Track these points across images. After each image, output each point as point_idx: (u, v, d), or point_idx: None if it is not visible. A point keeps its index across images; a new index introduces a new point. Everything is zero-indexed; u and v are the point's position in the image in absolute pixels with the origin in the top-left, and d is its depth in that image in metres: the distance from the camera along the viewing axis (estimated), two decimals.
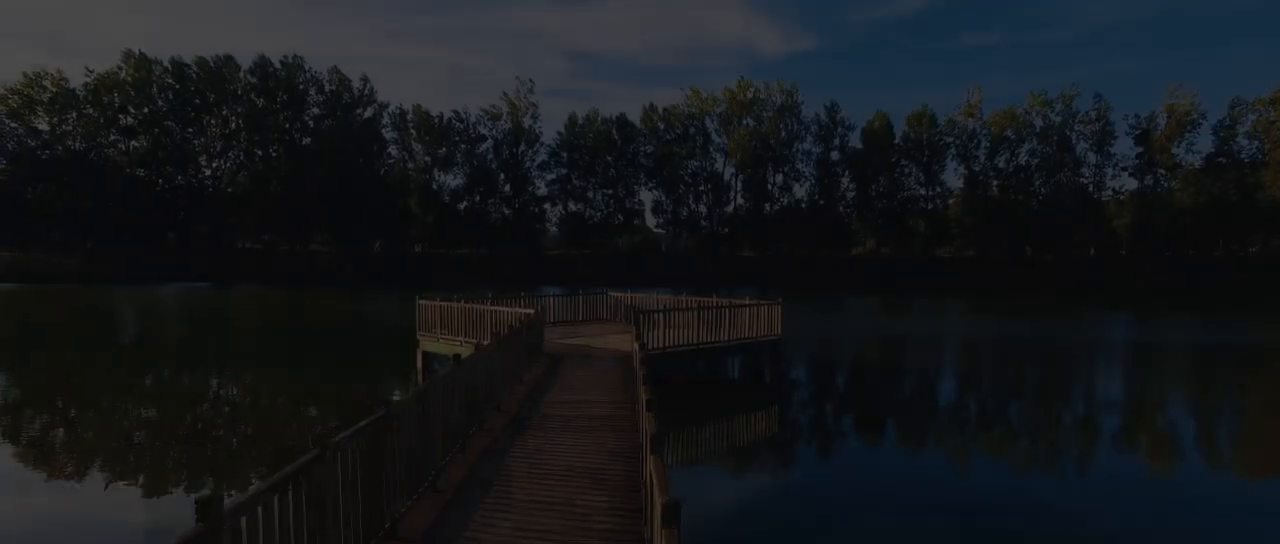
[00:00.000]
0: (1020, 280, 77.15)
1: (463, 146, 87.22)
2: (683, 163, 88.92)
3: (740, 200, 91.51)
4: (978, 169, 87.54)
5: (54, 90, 71.86)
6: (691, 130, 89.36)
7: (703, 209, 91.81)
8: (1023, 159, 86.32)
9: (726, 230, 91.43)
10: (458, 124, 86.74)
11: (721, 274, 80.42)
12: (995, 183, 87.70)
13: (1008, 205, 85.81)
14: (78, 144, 73.03)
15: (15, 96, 70.58)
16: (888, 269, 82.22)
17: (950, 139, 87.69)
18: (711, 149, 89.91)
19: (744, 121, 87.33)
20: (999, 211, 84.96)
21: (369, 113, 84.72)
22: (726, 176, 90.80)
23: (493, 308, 16.68)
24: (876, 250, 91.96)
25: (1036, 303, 52.92)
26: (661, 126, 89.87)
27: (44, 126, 72.40)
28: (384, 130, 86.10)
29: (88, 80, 73.17)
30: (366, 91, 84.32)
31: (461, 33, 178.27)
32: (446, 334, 17.85)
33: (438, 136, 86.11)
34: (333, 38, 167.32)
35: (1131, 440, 14.40)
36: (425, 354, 18.82)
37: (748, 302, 19.06)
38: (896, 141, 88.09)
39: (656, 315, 16.26)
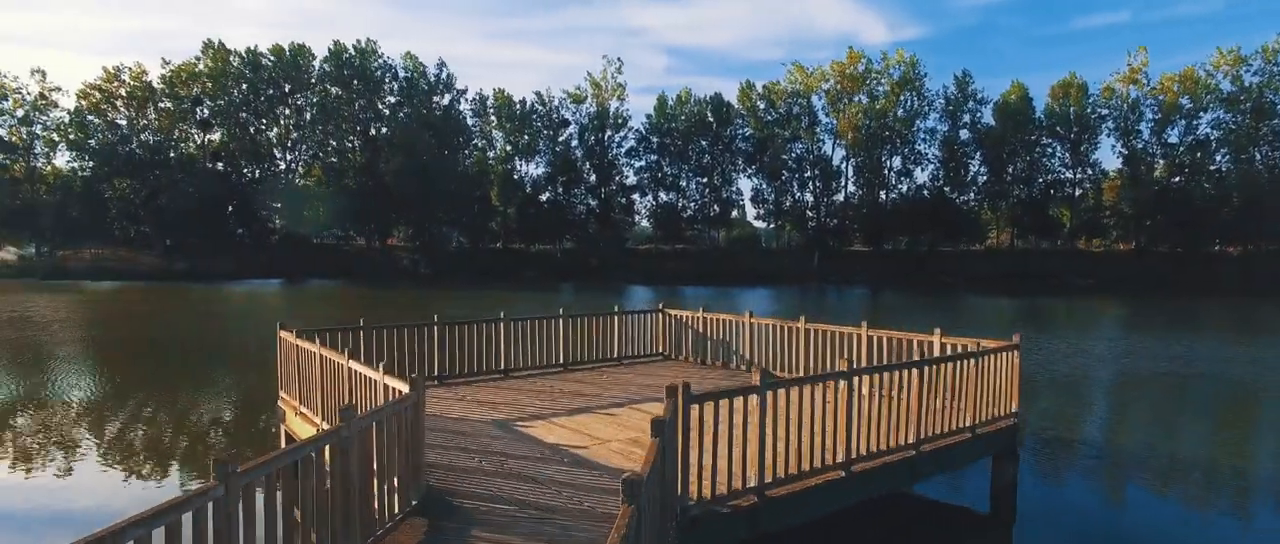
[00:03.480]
0: (1192, 280, 62.72)
1: (546, 133, 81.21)
2: (786, 146, 79.48)
3: (851, 187, 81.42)
4: (1140, 146, 73.84)
5: (133, 84, 70.55)
6: (795, 109, 79.79)
7: (808, 198, 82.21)
8: (1202, 132, 72.07)
9: (835, 222, 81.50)
10: (539, 108, 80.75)
11: (830, 271, 71.06)
12: (1162, 162, 73.84)
13: (1180, 189, 71.84)
14: (154, 138, 71.64)
15: (97, 92, 69.66)
16: (1023, 266, 69.99)
17: (1105, 110, 74.30)
18: (819, 130, 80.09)
19: (856, 98, 76.94)
20: (1167, 197, 71.08)
21: (447, 99, 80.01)
22: (836, 161, 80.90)
23: (367, 370, 7.63)
24: (1010, 244, 79.72)
25: (1228, 312, 41.10)
26: (762, 106, 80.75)
27: (122, 122, 71.31)
28: (463, 118, 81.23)
29: (165, 72, 71.61)
30: (444, 77, 79.58)
31: (561, 33, 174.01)
32: (307, 405, 9.58)
33: (519, 123, 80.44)
34: (432, 41, 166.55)
35: None
36: (289, 434, 10.51)
37: (964, 345, 9.84)
38: (1037, 117, 75.57)
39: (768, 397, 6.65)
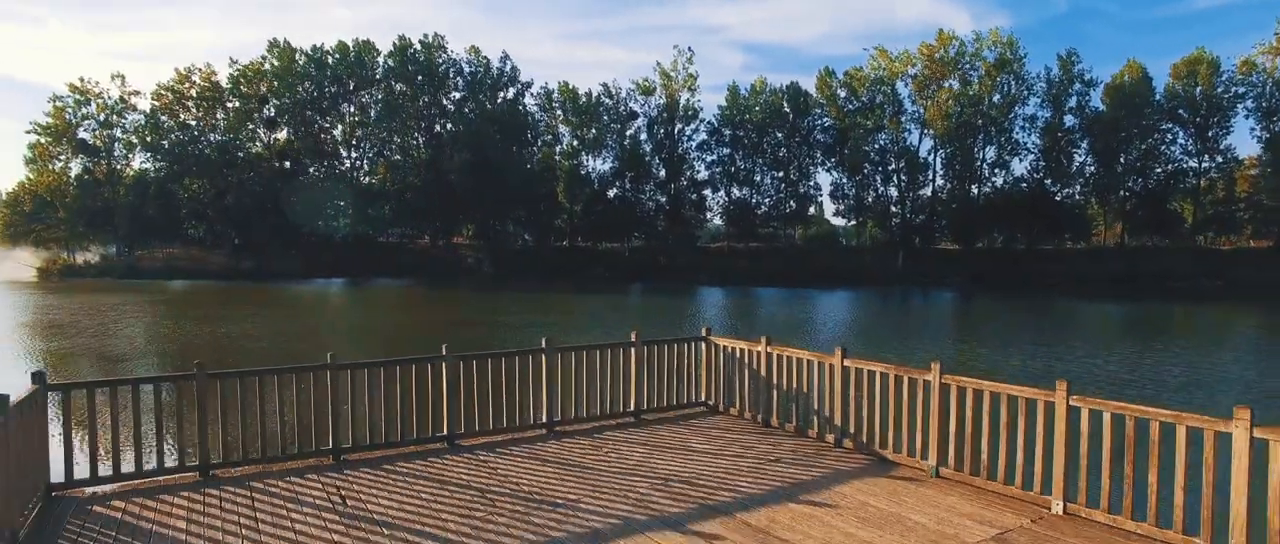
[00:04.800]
0: None
1: (613, 127, 78.22)
2: (868, 137, 73.98)
3: (939, 181, 75.26)
4: None
5: (202, 85, 71.15)
6: (878, 98, 74.16)
7: (892, 192, 76.49)
8: None
9: (921, 218, 75.57)
10: (606, 100, 77.78)
11: (915, 272, 65.59)
12: None
13: None
14: (223, 137, 72.13)
15: (169, 93, 70.53)
16: (1135, 266, 62.44)
17: (1242, 89, 65.83)
18: (904, 120, 74.16)
19: (946, 83, 70.81)
20: None
21: (511, 93, 77.95)
22: (922, 152, 74.95)
23: None
24: (1120, 241, 72.09)
25: None
26: (842, 95, 75.43)
27: (192, 122, 72.00)
28: (528, 112, 79.06)
29: (232, 72, 72.05)
30: (508, 70, 77.52)
31: (636, 31, 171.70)
32: None
33: (585, 116, 77.71)
34: (510, 43, 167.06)
35: None
36: None
37: None
38: (1157, 99, 67.81)
39: None
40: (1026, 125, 71.42)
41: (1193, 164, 68.78)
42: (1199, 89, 65.97)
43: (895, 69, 72.82)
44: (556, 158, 79.63)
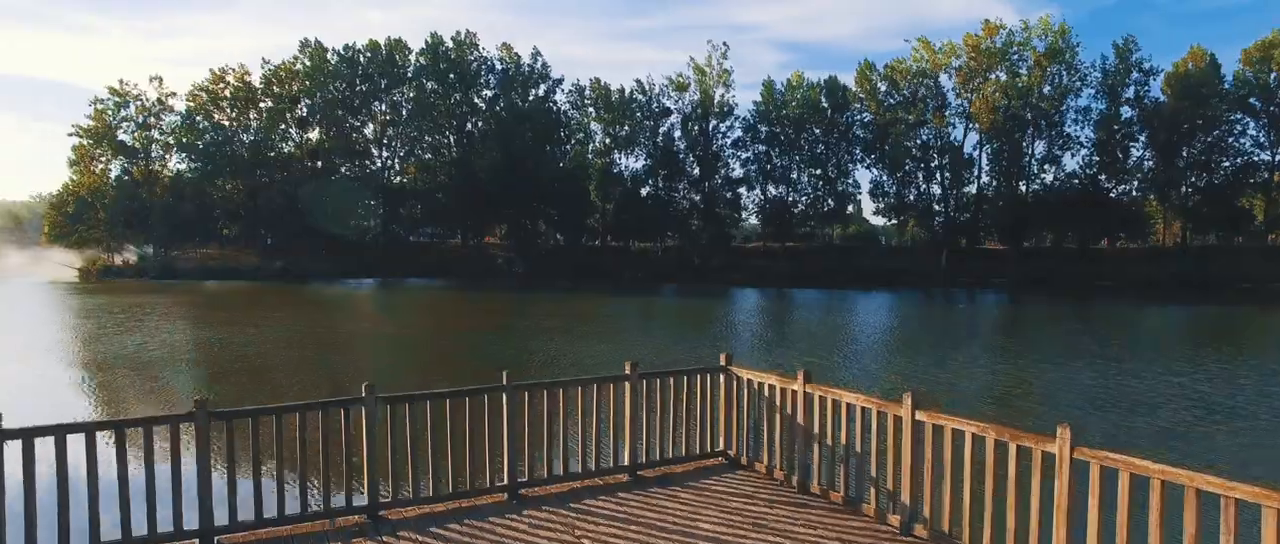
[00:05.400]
0: None
1: (646, 124, 76.61)
2: (909, 132, 71.05)
3: (985, 177, 71.94)
4: None
5: (236, 85, 71.44)
6: (921, 91, 71.17)
7: (935, 190, 73.41)
8: None
9: (966, 216, 72.35)
10: (639, 97, 76.18)
11: (960, 273, 62.70)
12: None
13: None
14: (255, 137, 72.36)
15: (203, 93, 70.98)
16: (1199, 267, 58.31)
17: None
18: (948, 114, 71.07)
19: (993, 75, 67.50)
20: None
21: (542, 90, 76.81)
22: (967, 148, 71.72)
23: None
24: (1183, 240, 67.99)
25: None
26: (882, 89, 72.61)
27: (226, 122, 72.35)
28: (560, 109, 77.89)
29: (264, 71, 72.28)
30: (539, 67, 76.38)
31: (671, 31, 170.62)
32: None
33: (618, 113, 76.27)
34: (547, 43, 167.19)
35: None
36: None
37: None
38: (1225, 87, 63.63)
39: None
40: (1079, 118, 67.99)
41: (1265, 157, 64.46)
42: (1275, 74, 61.62)
43: (938, 61, 69.76)
44: (588, 156, 78.44)
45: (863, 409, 6.44)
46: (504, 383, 6.81)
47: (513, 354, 23.12)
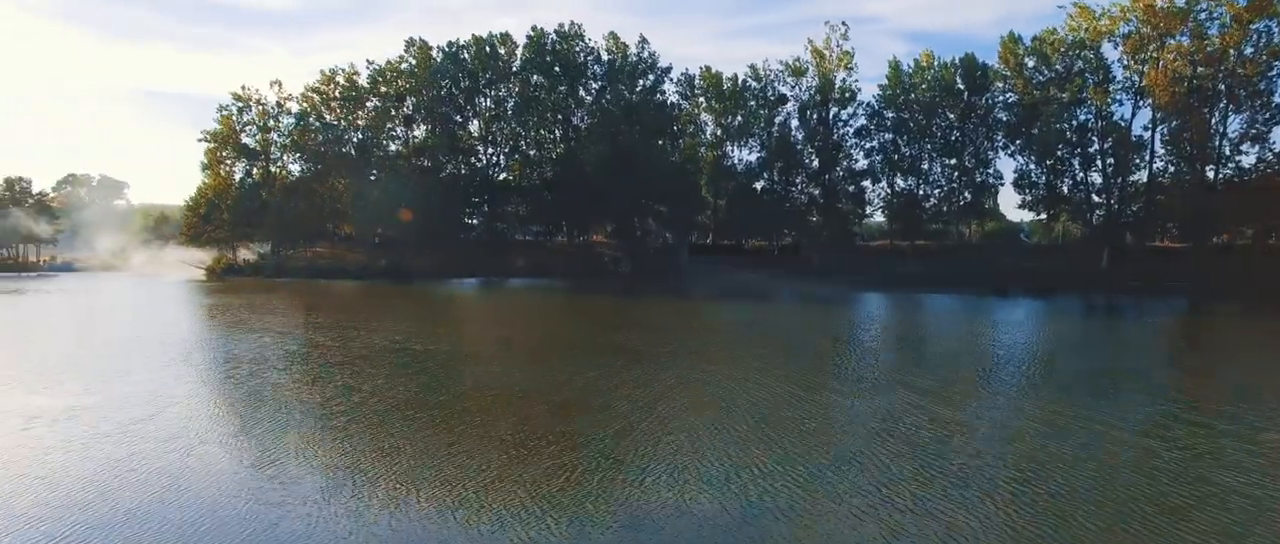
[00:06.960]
0: None
1: (760, 113, 71.37)
2: (1063, 112, 62.12)
3: (1159, 163, 61.86)
4: None
5: (344, 85, 71.86)
6: (1078, 64, 62.02)
7: (1095, 178, 63.95)
8: None
9: (1134, 209, 62.59)
10: (753, 83, 71.00)
11: (1125, 276, 53.76)
12: None
13: None
14: (363, 136, 72.58)
15: (316, 94, 71.91)
16: None
17: None
18: (1113, 89, 61.52)
19: (1174, 40, 57.55)
20: None
21: (650, 80, 73.00)
22: (1137, 128, 61.91)
23: None
24: None
25: None
26: (1030, 64, 63.94)
27: (337, 122, 72.97)
28: (669, 100, 73.95)
29: (370, 70, 72.25)
30: (646, 57, 72.59)
31: (791, 25, 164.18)
32: None
33: (730, 103, 71.45)
34: (667, 42, 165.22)
35: None
36: None
37: None
38: None
39: None
40: None
41: None
42: None
43: (1100, 29, 60.26)
44: (699, 149, 74.08)
45: None
46: None
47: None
